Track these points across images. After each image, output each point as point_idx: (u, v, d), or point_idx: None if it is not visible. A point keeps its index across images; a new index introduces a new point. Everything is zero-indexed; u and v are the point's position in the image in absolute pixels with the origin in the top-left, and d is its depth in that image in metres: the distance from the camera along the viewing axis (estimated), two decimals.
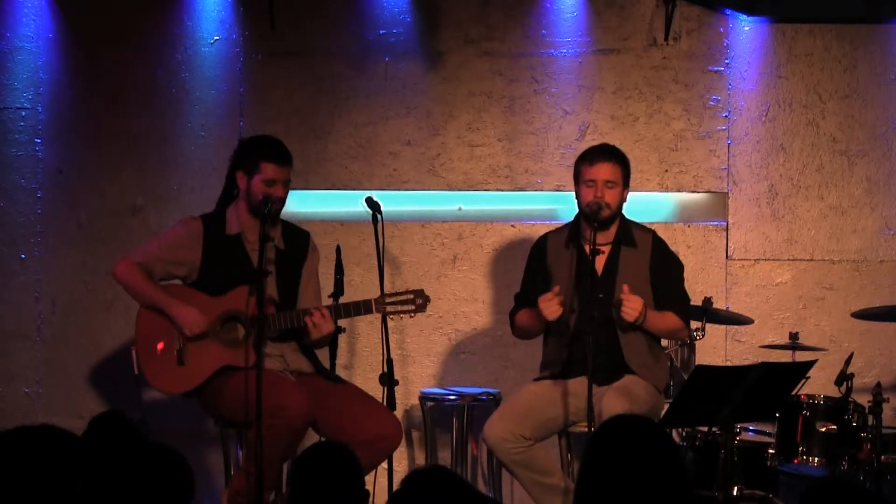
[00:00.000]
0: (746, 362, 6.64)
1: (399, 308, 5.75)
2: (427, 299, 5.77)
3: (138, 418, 4.37)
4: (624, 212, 5.91)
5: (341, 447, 3.99)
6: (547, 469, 5.74)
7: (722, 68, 7.03)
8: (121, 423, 4.25)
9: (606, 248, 5.85)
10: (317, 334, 5.69)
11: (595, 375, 5.46)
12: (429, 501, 3.30)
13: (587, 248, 5.66)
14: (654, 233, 5.99)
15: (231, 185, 5.88)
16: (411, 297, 5.76)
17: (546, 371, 5.90)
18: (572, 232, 5.91)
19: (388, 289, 5.86)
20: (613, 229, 5.88)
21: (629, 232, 5.91)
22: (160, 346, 5.75)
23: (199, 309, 5.72)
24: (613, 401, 5.54)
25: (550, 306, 5.68)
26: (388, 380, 5.75)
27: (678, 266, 5.98)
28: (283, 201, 5.79)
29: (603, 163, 5.82)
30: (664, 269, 5.89)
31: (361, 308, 5.73)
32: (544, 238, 6.03)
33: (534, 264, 6.00)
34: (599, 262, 5.80)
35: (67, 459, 3.37)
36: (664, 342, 6.05)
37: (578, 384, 5.69)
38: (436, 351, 7.08)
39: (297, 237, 5.96)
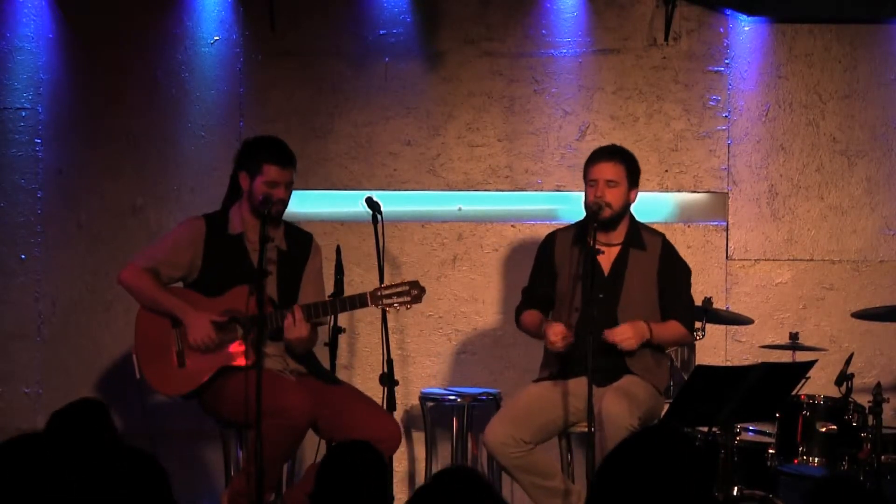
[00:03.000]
0: (746, 362, 6.64)
1: (395, 300, 5.73)
2: (422, 290, 5.76)
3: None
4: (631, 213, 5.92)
5: (371, 447, 3.98)
6: (548, 472, 5.73)
7: (722, 68, 7.03)
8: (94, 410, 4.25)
9: (615, 249, 5.85)
10: (288, 335, 5.67)
11: (595, 376, 5.46)
12: (453, 501, 3.28)
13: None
14: (663, 236, 5.98)
15: (235, 185, 5.89)
16: (406, 288, 5.74)
17: (546, 371, 5.90)
18: (579, 231, 5.91)
19: None
20: (622, 230, 5.88)
21: (639, 234, 5.91)
22: (160, 349, 5.75)
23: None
24: (613, 401, 5.54)
25: (556, 344, 5.70)
26: (388, 380, 5.74)
27: (686, 272, 5.96)
28: (284, 203, 5.79)
29: (604, 162, 5.84)
30: (672, 274, 5.89)
31: (357, 301, 5.72)
32: (553, 235, 6.04)
33: (541, 260, 6.02)
34: (607, 263, 5.81)
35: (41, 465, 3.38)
36: None
37: (578, 384, 5.68)
38: (436, 351, 7.08)
39: (300, 238, 5.96)
